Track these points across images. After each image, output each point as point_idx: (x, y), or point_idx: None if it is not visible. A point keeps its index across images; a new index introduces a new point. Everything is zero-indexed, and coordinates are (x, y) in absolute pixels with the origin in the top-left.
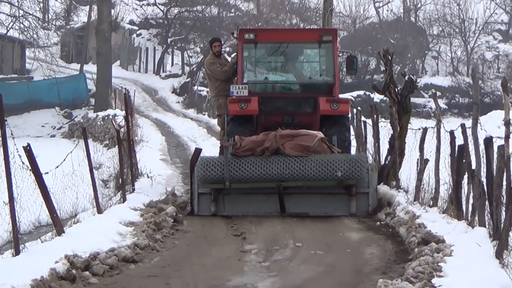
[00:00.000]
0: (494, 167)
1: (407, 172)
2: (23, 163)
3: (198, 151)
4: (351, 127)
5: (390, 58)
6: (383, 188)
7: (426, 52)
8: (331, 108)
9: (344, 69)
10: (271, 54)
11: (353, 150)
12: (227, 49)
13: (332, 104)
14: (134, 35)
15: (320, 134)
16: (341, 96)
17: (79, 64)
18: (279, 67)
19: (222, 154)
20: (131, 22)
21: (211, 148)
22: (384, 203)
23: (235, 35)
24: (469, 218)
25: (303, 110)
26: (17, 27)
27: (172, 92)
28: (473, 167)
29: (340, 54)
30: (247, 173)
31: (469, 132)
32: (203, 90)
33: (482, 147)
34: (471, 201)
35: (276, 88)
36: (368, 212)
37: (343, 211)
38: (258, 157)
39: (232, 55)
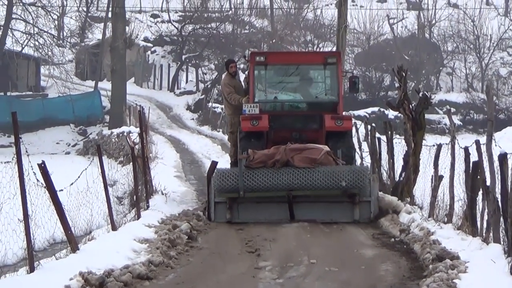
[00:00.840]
0: (509, 183)
1: (422, 188)
2: (37, 180)
3: (214, 163)
4: (364, 143)
5: (404, 74)
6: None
7: (441, 68)
8: (335, 124)
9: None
10: (280, 75)
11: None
12: (241, 65)
13: (336, 121)
14: (149, 52)
15: (326, 148)
16: (355, 112)
17: (94, 81)
18: (288, 87)
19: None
20: (146, 39)
21: (225, 164)
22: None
23: (247, 58)
24: (484, 234)
25: (310, 127)
26: (32, 45)
27: (187, 109)
28: (488, 183)
29: (344, 74)
30: (259, 183)
31: (483, 148)
32: (217, 107)
33: (496, 163)
34: (485, 217)
35: (285, 107)
36: (370, 218)
37: (347, 218)
38: (269, 169)
39: (244, 77)
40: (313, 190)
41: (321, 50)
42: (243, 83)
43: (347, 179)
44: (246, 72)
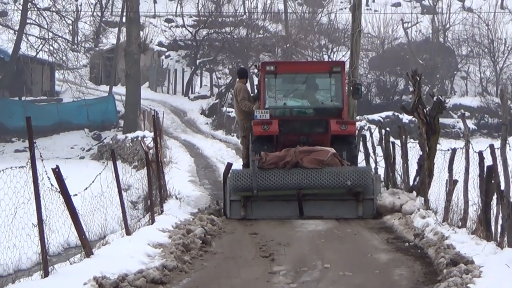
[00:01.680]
0: None
1: (436, 193)
2: (52, 185)
3: (229, 165)
4: (378, 147)
5: (418, 78)
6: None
7: (455, 72)
8: (340, 129)
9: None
10: (289, 83)
11: (380, 171)
12: (256, 70)
13: (341, 125)
14: (163, 56)
15: (332, 150)
16: (369, 116)
17: (108, 86)
18: (296, 94)
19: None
20: (160, 44)
21: (240, 168)
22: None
23: (258, 68)
24: (498, 239)
25: (316, 131)
26: (46, 49)
27: (201, 114)
28: (502, 187)
29: (350, 82)
30: (271, 182)
31: (498, 152)
32: (231, 112)
33: (511, 167)
34: (500, 222)
35: (293, 112)
36: (373, 215)
37: (352, 214)
38: (280, 170)
39: (256, 84)
40: (321, 189)
41: (336, 54)
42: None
43: (352, 179)
44: (257, 80)
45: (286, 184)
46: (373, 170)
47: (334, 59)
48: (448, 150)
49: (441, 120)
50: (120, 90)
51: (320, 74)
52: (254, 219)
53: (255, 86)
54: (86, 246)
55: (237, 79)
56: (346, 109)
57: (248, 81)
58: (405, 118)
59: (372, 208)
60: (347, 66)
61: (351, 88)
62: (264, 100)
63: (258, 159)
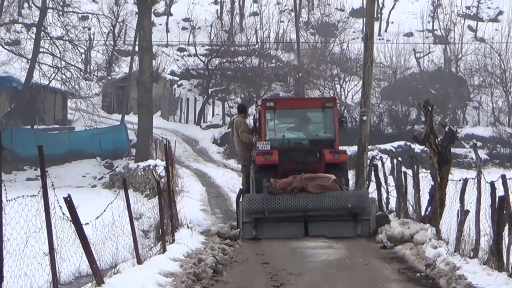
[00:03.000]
0: None
1: (448, 223)
2: (63, 213)
3: (241, 191)
4: (390, 177)
5: (430, 108)
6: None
7: (467, 102)
8: (333, 157)
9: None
10: (286, 117)
11: (392, 201)
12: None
13: (334, 154)
14: (175, 85)
15: (333, 177)
16: (381, 146)
17: (120, 115)
18: (293, 127)
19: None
20: (172, 73)
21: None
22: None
23: (258, 104)
24: (510, 269)
25: (312, 159)
26: (59, 78)
27: (213, 143)
28: None
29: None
30: (280, 205)
31: (510, 183)
32: None
33: None
34: None
35: (291, 143)
36: (370, 233)
37: (351, 233)
38: (288, 194)
39: (253, 118)
40: (324, 211)
41: (348, 83)
42: (251, 123)
43: (352, 202)
44: (255, 114)
45: (293, 207)
46: (370, 194)
47: (346, 89)
48: (460, 180)
49: (453, 150)
50: (132, 118)
51: (314, 109)
52: (265, 238)
53: (253, 120)
54: (97, 275)
55: (237, 114)
56: (338, 140)
57: (247, 115)
58: (417, 148)
59: (369, 227)
60: (358, 95)
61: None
62: (265, 132)
63: (269, 185)
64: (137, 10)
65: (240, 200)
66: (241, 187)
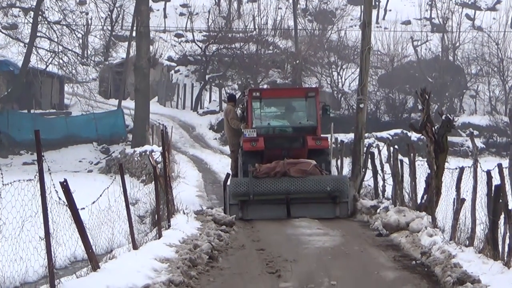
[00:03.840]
0: None
1: (444, 211)
2: (59, 198)
3: (228, 175)
4: (386, 165)
5: (427, 97)
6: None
7: (464, 91)
8: (315, 144)
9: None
10: (271, 106)
11: (388, 189)
12: (265, 86)
13: (316, 141)
14: (172, 71)
15: (313, 162)
16: (378, 134)
17: (117, 100)
18: (278, 115)
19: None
20: (170, 59)
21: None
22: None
23: (245, 94)
24: (505, 258)
25: (295, 146)
26: (56, 63)
27: (210, 129)
28: (510, 207)
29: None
30: (264, 189)
31: (506, 172)
32: None
33: None
34: (507, 241)
35: (276, 131)
36: (348, 215)
37: (331, 214)
38: (272, 178)
39: (239, 109)
40: (305, 194)
41: (345, 71)
42: (239, 112)
43: (331, 185)
44: (244, 103)
45: (276, 190)
46: (348, 177)
47: (343, 76)
48: (456, 168)
49: (450, 138)
50: (129, 104)
51: (297, 98)
52: (250, 219)
53: (241, 109)
54: (93, 260)
55: (227, 102)
56: (320, 127)
57: (236, 104)
58: (414, 136)
59: (347, 209)
60: (356, 83)
61: (322, 108)
62: (251, 120)
63: (253, 170)
64: None
65: (228, 183)
66: (228, 172)
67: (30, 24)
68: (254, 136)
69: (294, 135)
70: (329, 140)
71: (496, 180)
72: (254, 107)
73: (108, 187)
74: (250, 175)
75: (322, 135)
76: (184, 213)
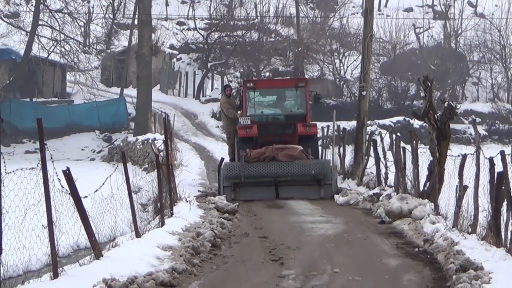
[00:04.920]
0: None
1: (446, 198)
2: (62, 186)
3: (222, 159)
4: (389, 152)
5: (430, 84)
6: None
7: (466, 78)
8: (305, 130)
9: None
10: (265, 96)
11: (391, 176)
12: (267, 74)
13: (306, 128)
14: (174, 59)
15: (300, 147)
16: (380, 121)
17: (119, 88)
18: (270, 104)
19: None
20: (172, 47)
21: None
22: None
23: (240, 84)
24: (508, 245)
25: (287, 132)
26: (58, 51)
27: (212, 117)
28: None
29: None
30: (255, 172)
31: (508, 159)
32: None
33: None
34: (510, 228)
35: (269, 118)
36: (332, 196)
37: (316, 195)
38: (261, 162)
39: (237, 100)
40: (292, 177)
41: (347, 58)
42: (236, 101)
43: (315, 169)
44: (240, 93)
45: (265, 173)
46: (331, 162)
47: (345, 64)
48: (459, 156)
49: (452, 125)
50: (131, 92)
51: (288, 88)
52: (242, 200)
53: (238, 98)
54: (96, 248)
55: (223, 92)
56: (309, 115)
57: (231, 94)
58: (416, 123)
59: (331, 190)
60: (358, 70)
61: (314, 97)
62: (246, 109)
63: (244, 154)
64: None
65: (221, 167)
66: (223, 157)
67: (32, 13)
68: (248, 124)
69: (286, 122)
70: (331, 127)
71: (498, 167)
72: (248, 96)
73: (110, 175)
74: (242, 159)
75: (311, 122)
76: (187, 201)
